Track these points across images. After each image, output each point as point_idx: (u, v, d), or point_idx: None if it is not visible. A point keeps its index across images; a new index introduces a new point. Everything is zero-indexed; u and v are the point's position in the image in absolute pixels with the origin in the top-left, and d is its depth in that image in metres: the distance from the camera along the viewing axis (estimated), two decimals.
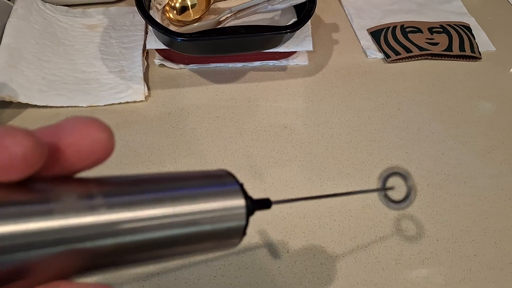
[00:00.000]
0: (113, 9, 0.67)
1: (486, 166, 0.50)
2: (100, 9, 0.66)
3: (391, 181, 0.33)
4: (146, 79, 0.57)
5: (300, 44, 0.55)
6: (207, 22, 0.53)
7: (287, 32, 0.49)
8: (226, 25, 0.54)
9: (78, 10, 0.66)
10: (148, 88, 0.56)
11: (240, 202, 0.21)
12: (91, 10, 0.66)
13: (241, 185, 0.21)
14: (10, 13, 0.61)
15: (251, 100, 0.56)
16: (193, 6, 0.58)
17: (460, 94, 0.58)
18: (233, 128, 0.53)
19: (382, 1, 0.71)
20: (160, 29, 0.48)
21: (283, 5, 0.52)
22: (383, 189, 0.33)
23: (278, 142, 0.51)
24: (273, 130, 0.53)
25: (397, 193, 0.34)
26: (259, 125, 0.53)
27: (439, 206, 0.46)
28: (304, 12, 0.52)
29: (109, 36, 0.62)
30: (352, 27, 0.67)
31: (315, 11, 0.64)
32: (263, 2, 0.53)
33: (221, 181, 0.21)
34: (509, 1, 0.73)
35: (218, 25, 0.53)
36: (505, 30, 0.68)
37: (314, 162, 0.50)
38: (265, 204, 0.23)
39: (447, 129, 0.54)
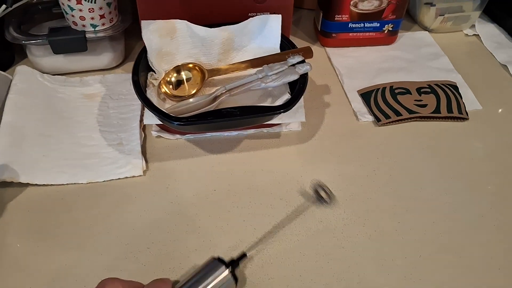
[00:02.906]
0: (110, 76, 0.69)
1: (477, 234, 0.52)
2: (97, 77, 0.68)
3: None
4: (144, 151, 0.59)
5: (293, 116, 0.57)
6: (202, 100, 0.54)
7: (280, 112, 0.51)
8: (221, 101, 0.55)
9: (76, 78, 0.68)
10: (146, 161, 0.58)
11: (225, 273, 0.41)
12: (89, 78, 0.68)
13: (223, 261, 0.42)
14: (9, 87, 0.62)
15: (247, 171, 0.58)
16: (188, 80, 0.59)
17: (449, 156, 0.60)
18: (230, 202, 0.54)
19: (373, 60, 0.74)
20: (157, 113, 0.50)
21: (276, 83, 0.54)
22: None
23: (274, 215, 0.53)
24: (269, 203, 0.54)
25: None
26: (255, 197, 0.54)
27: (431, 280, 0.48)
28: (296, 90, 0.54)
29: (107, 106, 0.64)
30: (343, 89, 0.69)
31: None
32: (256, 80, 0.55)
33: (212, 267, 0.41)
34: (494, 56, 0.76)
35: (214, 101, 0.55)
36: (491, 87, 0.70)
37: (309, 235, 0.51)
38: (243, 256, 0.45)
39: (438, 196, 0.56)
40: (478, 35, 0.80)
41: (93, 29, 0.65)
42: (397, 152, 0.60)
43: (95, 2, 0.62)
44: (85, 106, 0.64)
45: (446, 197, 0.55)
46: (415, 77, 0.70)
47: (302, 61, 0.56)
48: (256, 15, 0.62)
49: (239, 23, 0.60)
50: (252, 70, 0.57)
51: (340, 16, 0.71)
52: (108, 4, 0.64)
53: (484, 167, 0.59)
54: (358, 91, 0.68)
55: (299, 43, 0.78)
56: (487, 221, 0.53)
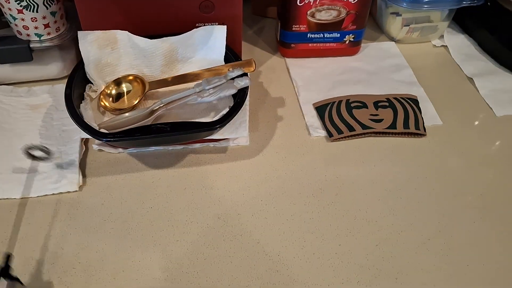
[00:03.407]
0: (58, 86, 0.67)
1: (420, 259, 0.49)
2: (46, 87, 0.67)
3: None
4: (83, 165, 0.57)
5: (235, 131, 0.55)
6: (138, 114, 0.53)
7: (213, 129, 0.49)
8: (159, 114, 0.53)
9: (24, 89, 0.66)
10: (84, 176, 0.56)
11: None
12: (37, 88, 0.66)
13: None
14: None
15: (187, 188, 0.55)
16: (128, 92, 0.57)
17: (402, 175, 0.57)
18: (165, 221, 0.52)
19: (331, 71, 0.71)
20: (84, 128, 0.48)
21: (212, 98, 0.52)
22: None
23: (209, 235, 0.50)
24: (205, 222, 0.52)
25: None
26: (192, 216, 0.52)
27: None
28: (233, 105, 0.51)
29: (52, 117, 0.62)
30: (299, 101, 0.66)
31: (263, 83, 0.64)
32: (193, 94, 0.53)
33: None
34: (461, 68, 0.73)
35: (151, 115, 0.53)
36: (454, 101, 0.68)
37: (243, 258, 0.49)
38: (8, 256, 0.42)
39: (384, 216, 0.53)
40: (446, 46, 0.77)
41: (38, 39, 0.63)
42: (346, 169, 0.58)
43: (37, 11, 0.60)
44: (29, 118, 0.62)
45: (392, 218, 0.53)
46: (375, 89, 0.68)
47: (243, 75, 0.54)
48: (204, 25, 0.60)
49: (182, 34, 0.58)
50: (192, 84, 0.55)
51: (297, 26, 0.68)
52: (53, 13, 0.62)
53: (436, 187, 0.56)
54: (313, 104, 0.65)
55: (260, 53, 0.75)
56: (433, 245, 0.50)
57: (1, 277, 0.40)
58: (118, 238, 0.50)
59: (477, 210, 0.54)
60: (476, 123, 0.65)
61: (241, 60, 0.58)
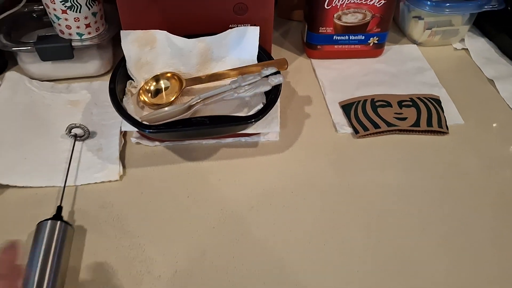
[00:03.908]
0: (96, 83, 0.70)
1: (439, 257, 0.51)
2: (84, 83, 0.70)
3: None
4: (122, 157, 0.60)
5: (268, 126, 0.58)
6: (177, 109, 0.56)
7: (249, 123, 0.52)
8: (196, 109, 0.56)
9: (63, 85, 0.70)
10: (124, 167, 0.59)
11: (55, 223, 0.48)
12: (76, 85, 0.70)
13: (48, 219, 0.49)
14: None
15: (221, 179, 0.58)
16: (166, 88, 0.61)
17: (423, 170, 0.60)
18: (201, 209, 0.55)
19: (355, 72, 0.74)
20: (129, 120, 0.51)
21: (248, 94, 0.55)
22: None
23: (243, 225, 0.53)
24: (240, 211, 0.55)
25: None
26: (226, 206, 0.55)
27: None
28: (268, 101, 0.54)
29: (91, 112, 0.66)
30: (325, 100, 0.69)
31: (290, 83, 0.67)
32: (230, 90, 0.56)
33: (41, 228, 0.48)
34: (482, 71, 0.75)
35: (189, 110, 0.56)
36: (475, 102, 0.70)
37: (275, 248, 0.51)
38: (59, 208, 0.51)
39: (406, 214, 0.55)
40: (467, 49, 0.80)
41: (79, 38, 0.66)
42: (372, 165, 0.60)
43: (80, 12, 0.64)
44: (69, 113, 0.65)
45: (414, 216, 0.55)
46: (398, 90, 0.70)
47: (276, 73, 0.57)
48: (237, 26, 0.63)
49: (217, 35, 0.62)
50: (228, 80, 0.58)
51: (324, 28, 0.71)
52: (94, 14, 0.65)
53: (455, 185, 0.58)
54: (339, 103, 0.68)
55: (286, 54, 0.78)
56: (451, 245, 0.52)
57: (56, 220, 0.48)
58: (157, 225, 0.53)
59: (495, 209, 0.56)
60: (497, 124, 0.67)
61: (273, 59, 0.61)
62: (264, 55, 0.62)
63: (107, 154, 0.60)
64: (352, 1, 0.68)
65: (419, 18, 0.77)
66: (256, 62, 0.62)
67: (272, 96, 0.55)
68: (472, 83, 0.74)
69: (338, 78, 0.73)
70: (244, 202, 0.56)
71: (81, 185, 0.57)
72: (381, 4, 0.69)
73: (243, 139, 0.62)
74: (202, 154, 0.61)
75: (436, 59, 0.77)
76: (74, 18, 0.64)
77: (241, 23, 0.64)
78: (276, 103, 0.58)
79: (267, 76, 0.57)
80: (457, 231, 0.53)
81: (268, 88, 0.55)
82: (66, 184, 0.56)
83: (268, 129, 0.58)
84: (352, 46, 0.74)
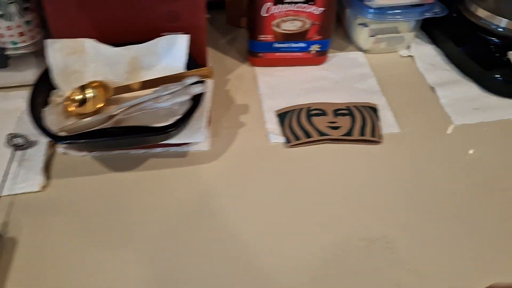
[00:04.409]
0: None
1: (370, 259, 0.51)
2: (22, 92, 0.69)
3: None
4: (48, 167, 0.60)
5: (192, 136, 0.57)
6: (96, 119, 0.55)
7: (162, 133, 0.51)
8: (120, 119, 0.56)
9: (0, 94, 0.69)
10: (48, 178, 0.59)
11: None
12: (14, 93, 0.70)
13: None
14: None
15: (148, 189, 0.58)
16: (92, 98, 0.60)
17: (356, 180, 0.59)
18: (128, 220, 0.54)
19: (298, 80, 0.74)
20: (42, 131, 0.51)
21: (167, 104, 0.55)
22: None
23: (170, 236, 0.53)
24: (167, 222, 0.54)
25: None
26: (153, 216, 0.55)
27: None
28: (186, 111, 0.54)
29: (23, 121, 0.65)
30: (262, 108, 0.69)
31: (229, 91, 0.66)
32: (149, 100, 0.56)
33: None
34: (425, 78, 0.75)
35: (110, 120, 0.56)
36: (414, 110, 0.69)
37: (204, 259, 0.51)
38: None
39: (334, 220, 0.55)
40: (413, 56, 0.79)
41: (13, 46, 0.66)
42: (302, 174, 0.60)
43: (12, 20, 0.63)
44: (2, 121, 0.65)
45: (341, 222, 0.54)
46: (338, 98, 0.70)
47: (200, 82, 0.57)
48: (168, 34, 0.63)
49: (146, 43, 0.61)
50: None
51: (264, 36, 0.71)
52: (27, 23, 0.65)
53: (388, 191, 0.58)
54: (275, 111, 0.68)
55: (231, 62, 0.78)
56: (378, 247, 0.52)
57: None
58: (80, 237, 0.53)
59: (428, 216, 0.55)
60: (434, 131, 0.66)
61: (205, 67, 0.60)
62: (194, 64, 0.61)
63: (31, 164, 0.59)
64: (290, 9, 0.68)
65: (364, 25, 0.76)
66: (184, 70, 0.61)
67: (191, 106, 0.55)
68: (413, 90, 0.73)
69: (279, 86, 0.72)
70: (172, 212, 0.55)
71: (11, 195, 0.57)
72: (320, 12, 0.68)
73: (172, 148, 0.62)
74: (130, 164, 0.61)
75: (381, 66, 0.77)
76: (7, 27, 0.64)
77: (173, 31, 0.64)
78: (202, 112, 0.58)
79: (189, 85, 0.56)
80: (391, 240, 0.53)
81: (187, 97, 0.55)
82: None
83: (193, 139, 0.58)
84: (294, 54, 0.74)
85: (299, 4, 0.67)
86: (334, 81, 0.73)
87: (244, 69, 0.76)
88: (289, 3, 0.67)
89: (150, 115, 0.59)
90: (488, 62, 0.71)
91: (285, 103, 0.69)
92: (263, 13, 0.68)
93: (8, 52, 0.66)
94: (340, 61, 0.78)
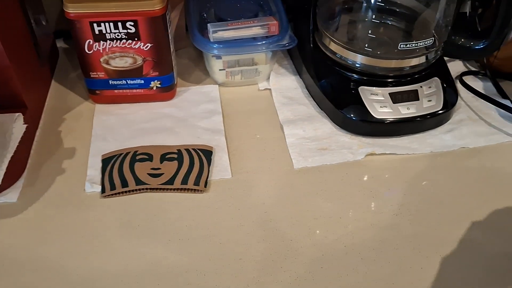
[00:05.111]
0: None
1: None
2: None
3: None
4: None
5: None
6: None
7: None
8: None
9: None
10: None
11: None
12: None
13: None
14: None
15: None
16: None
17: (173, 230, 0.55)
18: None
19: (138, 118, 0.69)
20: None
21: None
22: None
23: None
24: None
25: None
26: None
27: None
28: None
29: None
30: (90, 152, 0.64)
31: (61, 132, 0.63)
32: None
33: None
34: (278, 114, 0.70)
35: None
36: (256, 152, 0.65)
37: None
38: None
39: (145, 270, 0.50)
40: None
41: None
42: (112, 229, 0.55)
43: None
44: None
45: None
46: (176, 139, 0.65)
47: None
48: None
49: None
50: None
51: (95, 73, 0.66)
52: None
53: (211, 242, 0.53)
54: (102, 156, 0.63)
55: (75, 99, 0.73)
56: None
57: None
58: None
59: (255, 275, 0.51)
60: (269, 176, 0.62)
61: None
62: None
63: None
64: (114, 45, 0.63)
65: (218, 57, 0.72)
66: None
67: None
68: (263, 128, 0.68)
69: (115, 125, 0.67)
70: None
71: None
72: (148, 47, 0.64)
73: None
74: None
75: (234, 101, 0.72)
76: None
77: None
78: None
79: None
80: None
81: None
82: None
83: None
84: (134, 91, 0.69)
85: (123, 41, 0.62)
86: (178, 119, 0.69)
87: (86, 106, 0.71)
88: (112, 39, 0.62)
89: None
90: (341, 99, 0.67)
91: (116, 146, 0.64)
92: (87, 50, 0.63)
93: None
94: (192, 96, 0.73)
